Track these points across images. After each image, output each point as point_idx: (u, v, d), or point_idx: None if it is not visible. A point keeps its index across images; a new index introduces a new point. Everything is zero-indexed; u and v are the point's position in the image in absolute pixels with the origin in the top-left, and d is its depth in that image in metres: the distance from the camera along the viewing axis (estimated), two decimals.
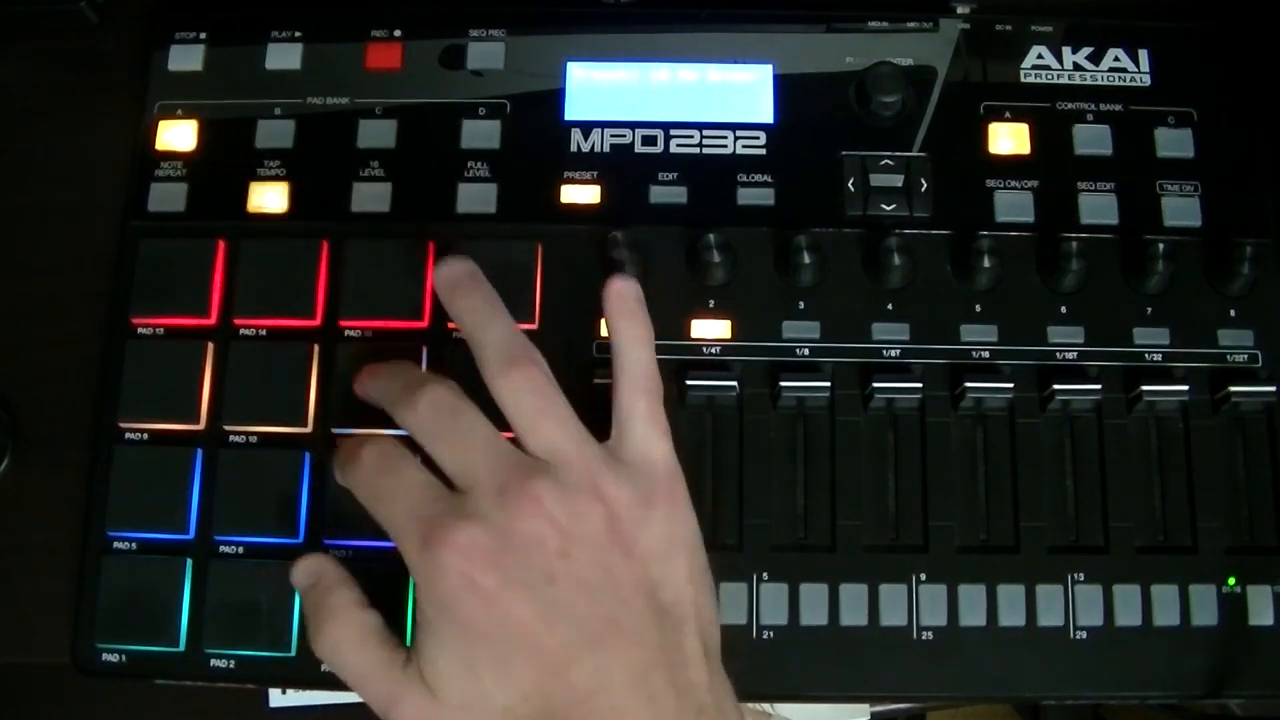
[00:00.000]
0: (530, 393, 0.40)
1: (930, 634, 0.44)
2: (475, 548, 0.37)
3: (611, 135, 0.49)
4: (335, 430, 0.46)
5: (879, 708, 0.62)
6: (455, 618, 0.37)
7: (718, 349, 0.46)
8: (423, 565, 0.38)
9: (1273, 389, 0.45)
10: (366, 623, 0.40)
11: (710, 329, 0.47)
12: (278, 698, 0.59)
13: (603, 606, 0.38)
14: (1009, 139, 0.49)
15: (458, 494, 0.39)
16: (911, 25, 0.51)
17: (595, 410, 0.42)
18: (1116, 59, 0.50)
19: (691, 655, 0.39)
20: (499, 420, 0.40)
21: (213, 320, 0.47)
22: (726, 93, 0.50)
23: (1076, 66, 0.50)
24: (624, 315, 0.43)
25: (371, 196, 0.48)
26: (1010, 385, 0.45)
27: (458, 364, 0.45)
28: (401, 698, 0.38)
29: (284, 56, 0.50)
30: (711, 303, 0.47)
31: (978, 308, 0.47)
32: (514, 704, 0.37)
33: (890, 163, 0.48)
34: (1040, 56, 0.50)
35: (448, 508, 0.39)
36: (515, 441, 0.40)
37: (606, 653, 0.37)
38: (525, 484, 0.38)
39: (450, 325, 0.46)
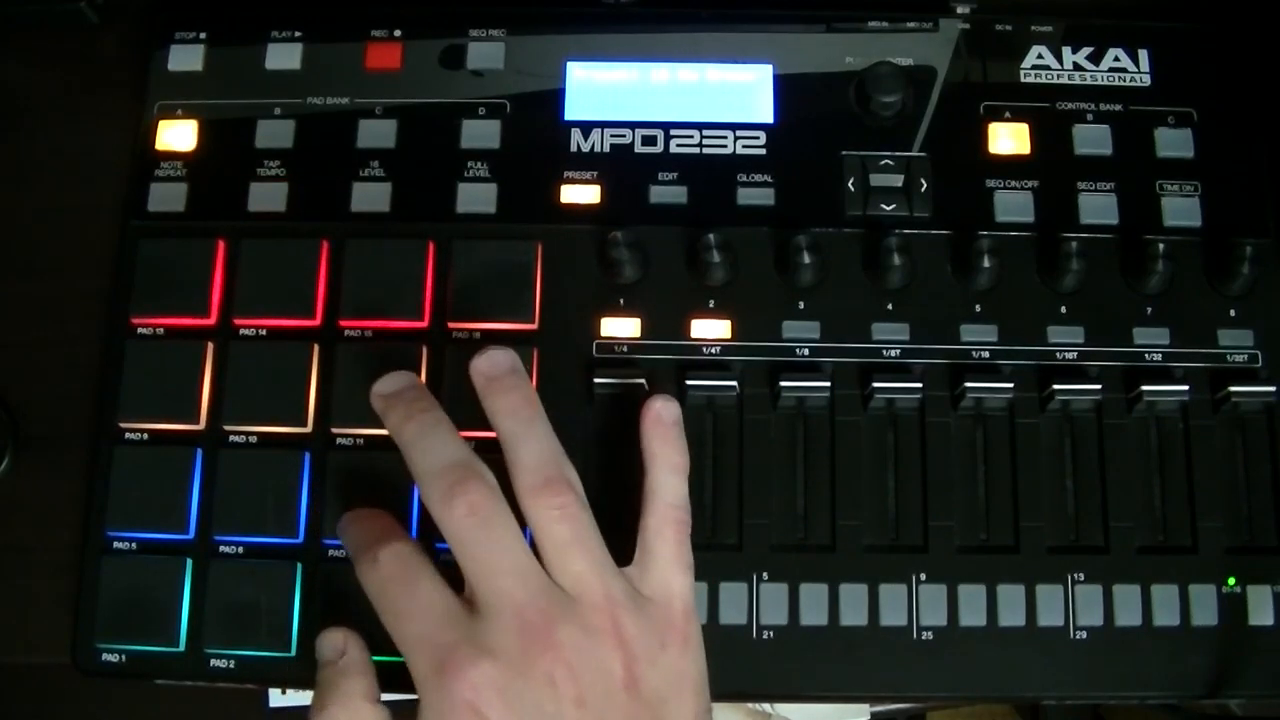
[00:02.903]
0: (562, 520, 0.39)
1: (930, 634, 0.44)
2: (489, 684, 0.37)
3: (611, 135, 0.49)
4: (335, 430, 0.46)
5: (879, 708, 0.62)
6: None
7: (718, 349, 0.46)
8: (431, 693, 0.37)
9: (1273, 389, 0.45)
10: (375, 718, 0.39)
11: (710, 329, 0.47)
12: (278, 698, 0.59)
13: None
14: (1009, 139, 0.49)
15: (476, 618, 0.38)
16: (911, 25, 0.51)
17: (595, 413, 0.42)
18: (1116, 59, 0.50)
19: None
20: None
21: (213, 320, 0.47)
22: (726, 93, 0.50)
23: (1076, 66, 0.50)
24: (661, 440, 0.42)
25: (371, 196, 0.48)
26: (1010, 385, 0.45)
27: (458, 366, 0.45)
28: None
29: (284, 56, 0.50)
30: (711, 303, 0.47)
31: (978, 308, 0.47)
32: None
33: (890, 163, 0.48)
34: (1040, 56, 0.50)
35: (464, 636, 0.38)
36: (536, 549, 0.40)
37: None
38: (548, 627, 0.37)
39: (450, 325, 0.46)
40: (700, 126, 0.49)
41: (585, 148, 0.49)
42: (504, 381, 0.41)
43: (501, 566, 0.38)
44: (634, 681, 0.38)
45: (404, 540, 0.41)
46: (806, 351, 0.46)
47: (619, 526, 0.42)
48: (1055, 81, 0.50)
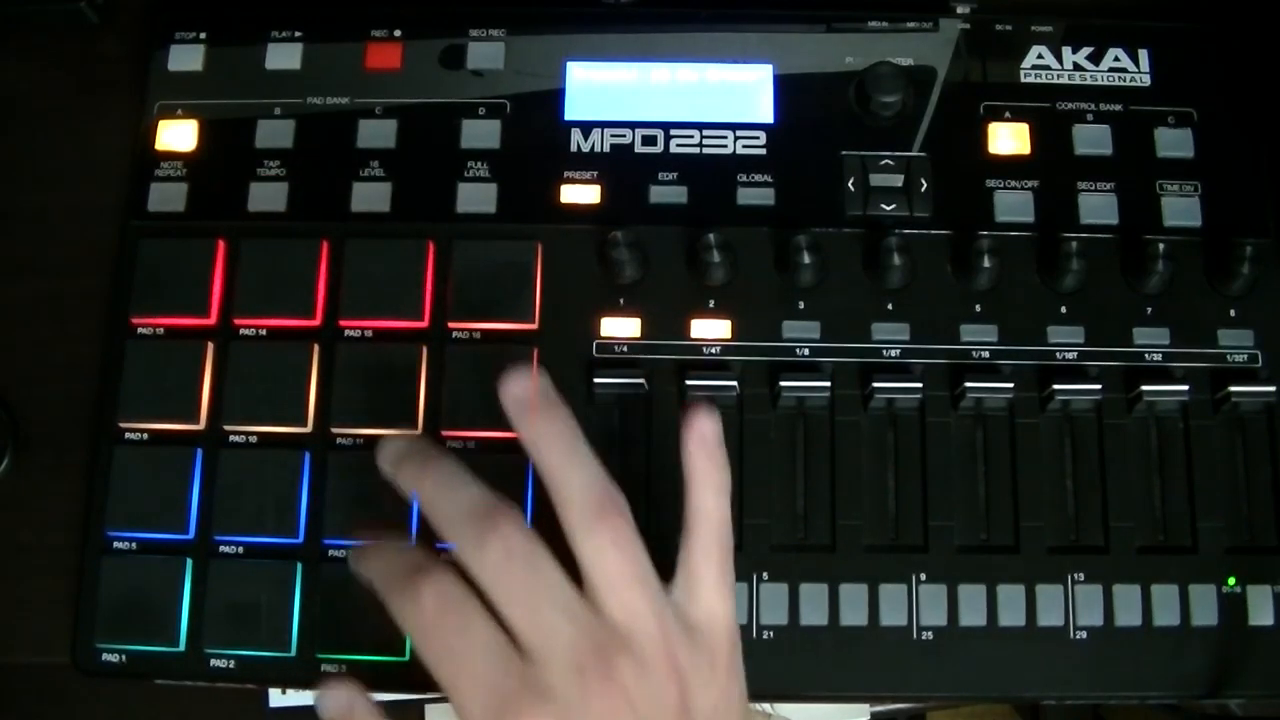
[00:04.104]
0: (615, 550, 0.38)
1: (930, 634, 0.44)
2: None
3: (611, 135, 0.49)
4: (335, 430, 0.45)
5: (879, 708, 0.62)
6: None
7: (718, 349, 0.46)
8: None
9: (1273, 389, 0.45)
10: None
11: (710, 329, 0.47)
12: (278, 698, 0.59)
13: None
14: (1009, 139, 0.49)
15: (530, 663, 0.37)
16: (911, 25, 0.51)
17: (595, 413, 0.42)
18: (1116, 59, 0.50)
19: None
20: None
21: (213, 320, 0.47)
22: (726, 93, 0.50)
23: (1076, 66, 0.50)
24: (706, 458, 0.40)
25: (371, 196, 0.48)
26: (1010, 385, 0.45)
27: (458, 366, 0.46)
28: None
29: (284, 56, 0.50)
30: (711, 303, 0.47)
31: (978, 308, 0.47)
32: None
33: (890, 163, 0.48)
34: (1040, 56, 0.50)
35: (521, 683, 0.36)
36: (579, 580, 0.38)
37: None
38: (606, 666, 0.36)
39: (450, 325, 0.46)
40: (700, 126, 0.49)
41: (585, 148, 0.49)
42: (541, 409, 0.39)
43: (548, 605, 0.37)
44: (686, 709, 0.37)
45: (445, 573, 0.38)
46: (806, 351, 0.46)
47: None
48: (1055, 81, 0.50)
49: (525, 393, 0.39)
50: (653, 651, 0.37)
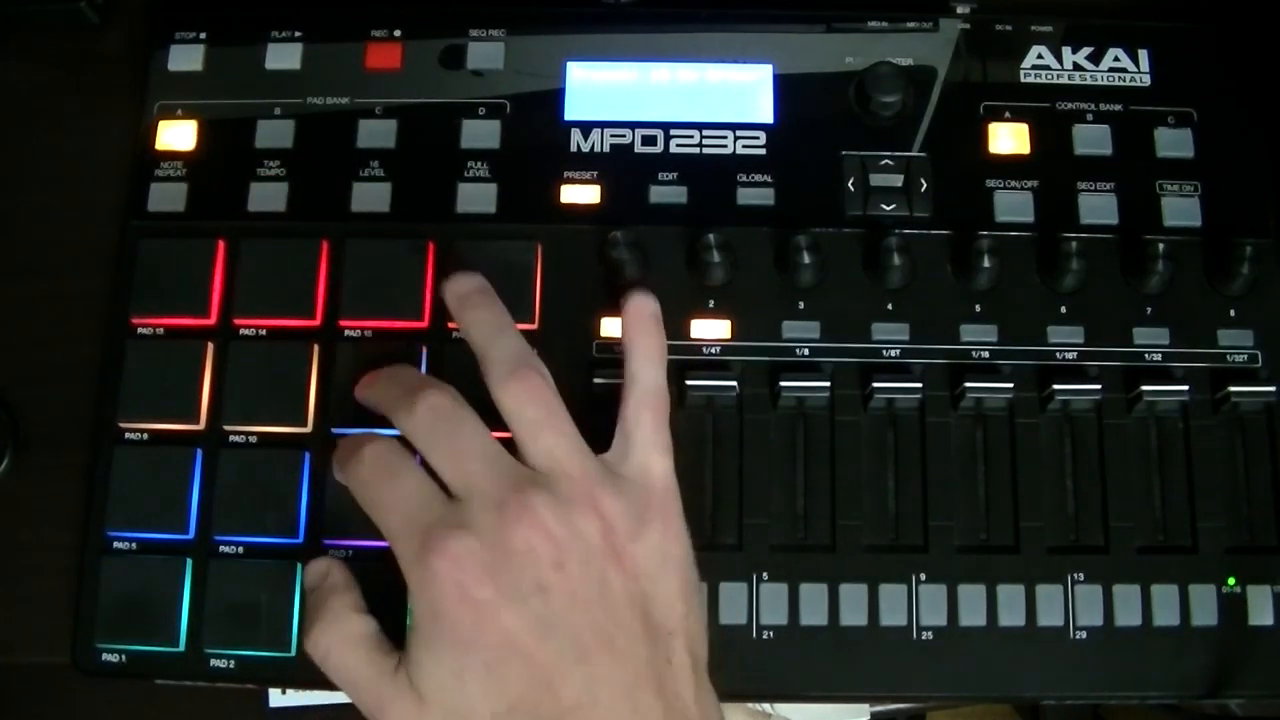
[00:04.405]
0: (532, 403, 0.40)
1: (930, 634, 0.44)
2: (470, 558, 0.38)
3: (611, 135, 0.49)
4: (335, 430, 0.46)
5: (879, 708, 0.62)
6: (446, 626, 0.38)
7: (718, 349, 0.46)
8: (417, 573, 0.38)
9: (1273, 389, 0.45)
10: (359, 627, 0.40)
11: (710, 329, 0.47)
12: (278, 698, 0.59)
13: (594, 620, 0.38)
14: (1009, 139, 0.49)
15: (455, 502, 0.39)
16: (911, 25, 0.51)
17: (595, 413, 0.42)
18: (1116, 59, 0.50)
19: (680, 670, 0.39)
20: (497, 427, 0.41)
21: (213, 320, 0.47)
22: (726, 93, 0.50)
23: (1076, 66, 0.50)
24: (641, 330, 0.44)
25: (371, 196, 0.48)
26: (1010, 385, 0.45)
27: (458, 364, 0.45)
28: (389, 703, 0.38)
29: (284, 56, 0.50)
30: (711, 303, 0.47)
31: (978, 308, 0.47)
32: (500, 713, 0.37)
33: (890, 163, 0.48)
34: (1040, 56, 0.50)
35: (444, 516, 0.39)
36: (514, 450, 0.40)
37: (596, 666, 0.38)
38: (522, 496, 0.39)
39: (450, 325, 0.46)
40: (700, 126, 0.49)
41: (585, 148, 0.49)
42: (473, 298, 0.43)
43: (469, 453, 0.40)
44: (614, 551, 0.39)
45: (383, 438, 0.41)
46: (806, 351, 0.46)
47: None
48: (1055, 81, 0.50)
49: (462, 288, 0.43)
50: (572, 491, 0.39)
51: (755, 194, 0.48)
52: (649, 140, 0.49)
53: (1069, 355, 0.46)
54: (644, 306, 0.44)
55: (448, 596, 0.38)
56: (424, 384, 0.41)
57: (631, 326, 0.44)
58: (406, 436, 0.41)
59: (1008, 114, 0.49)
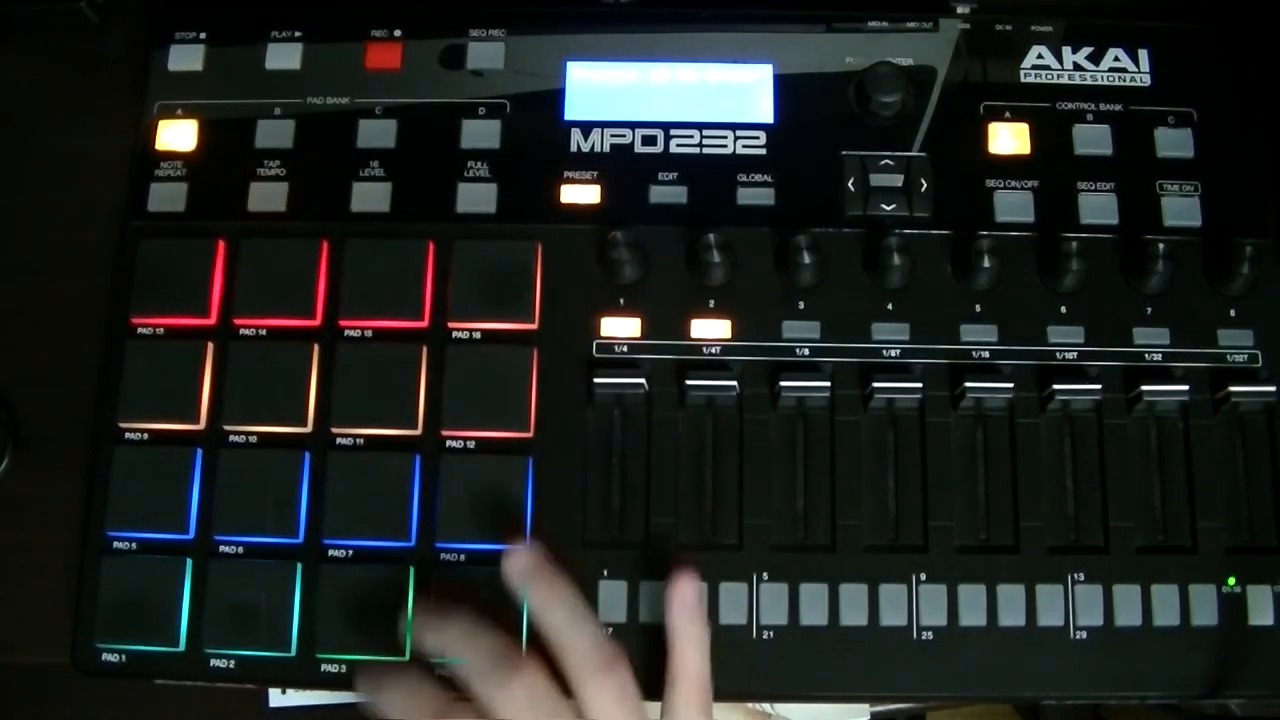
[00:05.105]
0: (619, 703, 0.40)
1: (930, 634, 0.44)
2: None
3: (611, 135, 0.49)
4: (335, 430, 0.45)
5: (879, 708, 0.62)
6: None
7: (718, 349, 0.46)
8: None
9: (1273, 389, 0.45)
10: None
11: (710, 329, 0.47)
12: (278, 698, 0.59)
13: None
14: (1009, 139, 0.49)
15: None
16: (911, 25, 0.51)
17: (595, 413, 0.42)
18: (1116, 59, 0.50)
19: None
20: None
21: (213, 320, 0.47)
22: (726, 93, 0.50)
23: (1076, 66, 0.50)
24: (687, 619, 0.43)
25: (371, 196, 0.48)
26: (1010, 385, 0.45)
27: (457, 365, 0.46)
28: None
29: (284, 56, 0.50)
30: (711, 303, 0.47)
31: (978, 308, 0.47)
32: None
33: (890, 163, 0.48)
34: (1040, 56, 0.50)
35: None
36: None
37: None
38: None
39: (450, 325, 0.46)
40: (700, 126, 0.49)
41: (585, 148, 0.49)
42: (544, 574, 0.42)
43: None
44: None
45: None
46: (806, 351, 0.46)
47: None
48: (1055, 81, 0.50)
49: (525, 564, 0.42)
50: None
51: (755, 194, 0.48)
52: (649, 140, 0.49)
53: (1069, 355, 0.46)
54: (688, 592, 0.43)
55: None
56: (519, 659, 0.41)
57: (677, 613, 0.43)
58: (496, 714, 0.40)
59: (1008, 114, 0.49)
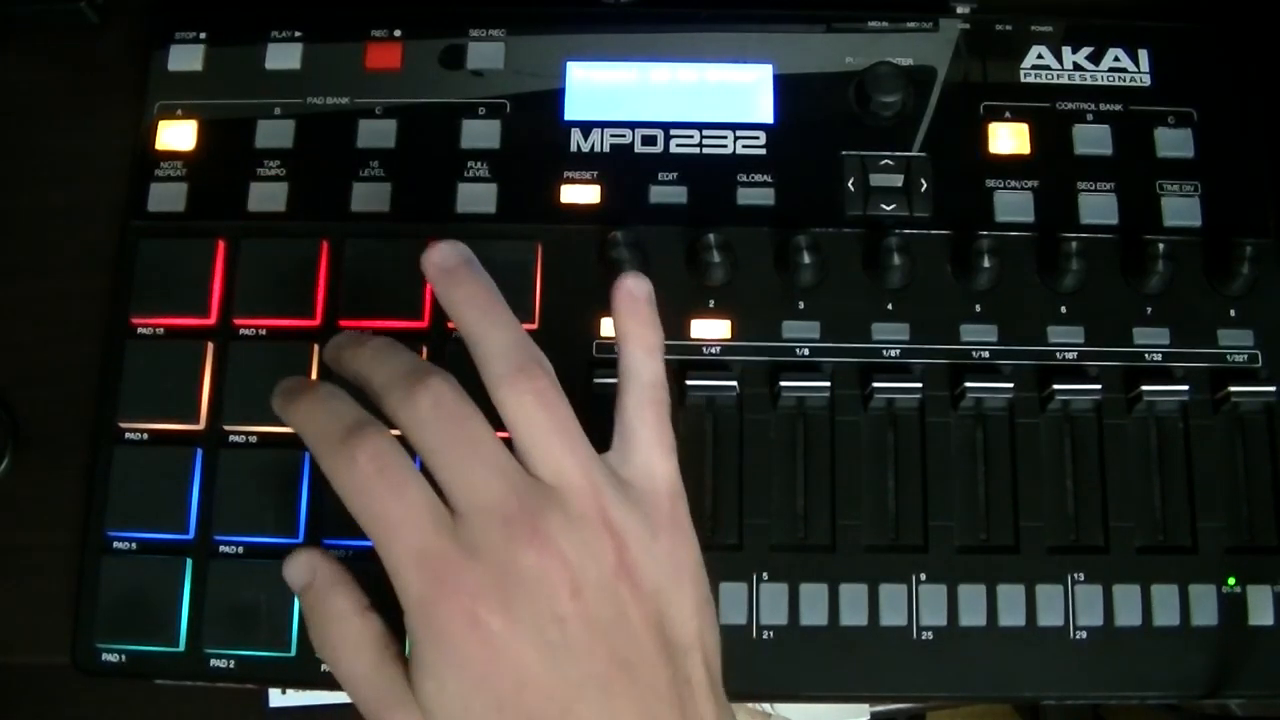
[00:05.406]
0: (539, 407, 0.37)
1: (930, 634, 0.44)
2: (480, 587, 0.35)
3: (611, 135, 0.49)
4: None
5: (879, 708, 0.62)
6: (455, 659, 0.35)
7: (718, 349, 0.46)
8: (421, 602, 0.35)
9: (1273, 389, 0.45)
10: (366, 630, 0.37)
11: (710, 329, 0.47)
12: (278, 698, 0.59)
13: (613, 646, 0.36)
14: (1009, 139, 0.49)
15: (458, 520, 0.36)
16: (911, 25, 0.51)
17: (594, 413, 0.42)
18: (1116, 59, 0.50)
19: (699, 688, 0.37)
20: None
21: (212, 320, 0.47)
22: (726, 93, 0.50)
23: (1076, 66, 0.50)
24: (634, 318, 0.40)
25: (371, 196, 0.48)
26: (1010, 385, 0.45)
27: (459, 365, 0.45)
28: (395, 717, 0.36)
29: (284, 56, 0.50)
30: (711, 303, 0.47)
31: (978, 308, 0.47)
32: None
33: (890, 163, 0.48)
34: (1040, 56, 0.50)
35: (451, 542, 0.35)
36: (510, 445, 0.38)
37: (616, 696, 0.35)
38: (534, 518, 0.35)
39: (450, 325, 0.46)
40: (700, 126, 0.49)
41: (585, 148, 0.49)
42: (460, 272, 0.39)
43: (475, 460, 0.36)
44: (628, 569, 0.36)
45: (379, 433, 0.36)
46: (806, 351, 0.46)
47: None
48: (1055, 81, 0.50)
49: (444, 259, 0.39)
50: (583, 506, 0.36)
51: (755, 194, 0.48)
52: (649, 140, 0.49)
53: (1069, 355, 0.46)
54: (635, 290, 0.40)
55: (455, 627, 0.35)
56: (425, 370, 0.37)
57: (623, 313, 0.40)
58: (402, 428, 0.37)
59: (1008, 114, 0.49)
